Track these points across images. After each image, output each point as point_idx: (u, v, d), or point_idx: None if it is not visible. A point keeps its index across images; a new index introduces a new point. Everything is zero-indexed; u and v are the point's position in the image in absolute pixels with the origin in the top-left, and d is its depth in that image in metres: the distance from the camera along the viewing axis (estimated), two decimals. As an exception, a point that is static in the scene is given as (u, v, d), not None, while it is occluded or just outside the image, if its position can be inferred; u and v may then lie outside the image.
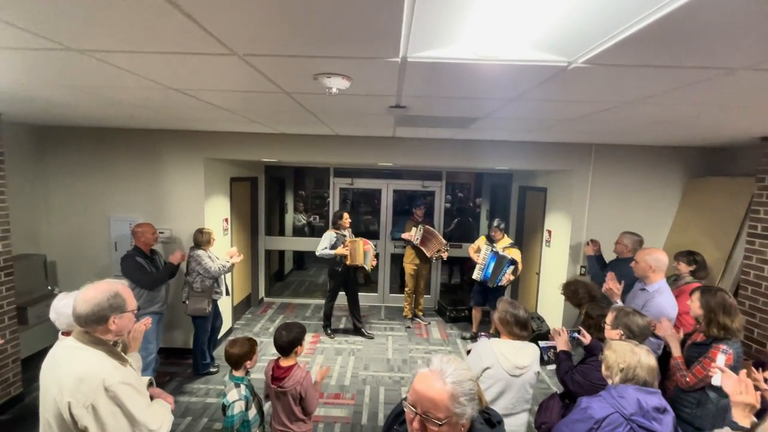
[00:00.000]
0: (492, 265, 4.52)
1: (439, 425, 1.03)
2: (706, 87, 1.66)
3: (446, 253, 5.19)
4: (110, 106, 2.63)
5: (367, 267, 4.76)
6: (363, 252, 4.67)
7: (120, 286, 1.54)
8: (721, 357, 1.98)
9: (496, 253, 4.53)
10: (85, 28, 1.24)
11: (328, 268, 4.93)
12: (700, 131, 2.92)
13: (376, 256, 4.95)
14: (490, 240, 4.70)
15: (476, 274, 4.66)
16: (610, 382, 1.76)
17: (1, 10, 1.11)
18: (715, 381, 1.76)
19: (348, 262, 4.65)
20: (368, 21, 1.13)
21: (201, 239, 3.82)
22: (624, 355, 1.70)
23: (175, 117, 3.11)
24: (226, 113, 2.83)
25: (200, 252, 3.80)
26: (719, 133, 2.98)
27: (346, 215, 4.86)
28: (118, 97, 2.34)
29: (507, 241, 4.70)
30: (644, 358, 1.69)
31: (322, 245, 4.70)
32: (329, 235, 4.74)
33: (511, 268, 4.42)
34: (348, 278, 4.87)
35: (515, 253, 4.54)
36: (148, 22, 1.17)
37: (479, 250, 4.72)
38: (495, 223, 4.68)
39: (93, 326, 1.47)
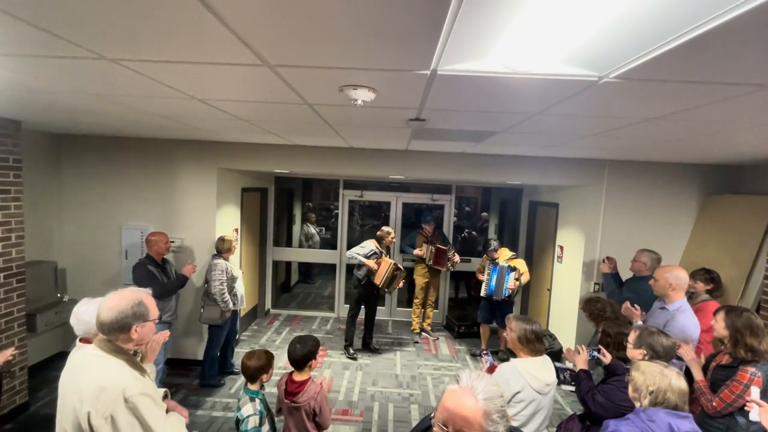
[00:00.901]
0: (494, 277, 4.50)
1: None
2: (735, 103, 1.65)
3: (456, 257, 5.13)
4: (133, 115, 2.66)
5: (387, 290, 4.68)
6: (390, 277, 4.56)
7: (144, 295, 1.53)
8: (755, 390, 1.87)
9: (497, 265, 4.53)
10: (121, 37, 1.25)
11: (353, 280, 4.76)
12: (721, 148, 2.90)
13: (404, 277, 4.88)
14: (492, 259, 4.68)
15: (483, 291, 4.64)
16: (637, 404, 1.70)
17: (37, 18, 1.13)
18: (753, 417, 1.68)
19: (373, 279, 4.57)
20: (406, 33, 1.13)
21: (222, 247, 3.84)
22: (653, 377, 1.64)
23: (194, 127, 3.14)
24: (245, 124, 2.85)
25: (218, 261, 3.80)
26: (740, 150, 2.95)
27: (392, 233, 4.78)
28: (144, 107, 2.37)
29: (508, 253, 4.67)
30: (675, 380, 1.63)
31: (358, 250, 4.58)
32: (369, 244, 4.63)
33: (512, 275, 4.40)
34: (371, 293, 4.78)
35: (519, 263, 4.53)
36: (187, 32, 1.18)
37: (484, 269, 4.71)
38: (491, 247, 4.63)
39: (115, 334, 1.46)
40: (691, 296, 3.21)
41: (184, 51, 1.34)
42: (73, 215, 4.28)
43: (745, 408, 1.78)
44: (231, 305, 3.81)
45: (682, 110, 1.80)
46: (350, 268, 5.19)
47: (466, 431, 1.02)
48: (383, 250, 4.71)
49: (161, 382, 3.51)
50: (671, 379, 1.62)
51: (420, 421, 1.41)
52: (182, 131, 3.49)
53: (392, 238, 4.79)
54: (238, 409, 2.15)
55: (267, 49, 1.30)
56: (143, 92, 1.96)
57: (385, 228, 4.83)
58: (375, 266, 4.52)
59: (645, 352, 2.05)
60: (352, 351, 4.80)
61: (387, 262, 4.57)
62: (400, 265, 4.75)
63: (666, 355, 2.02)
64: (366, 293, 4.73)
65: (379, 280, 4.55)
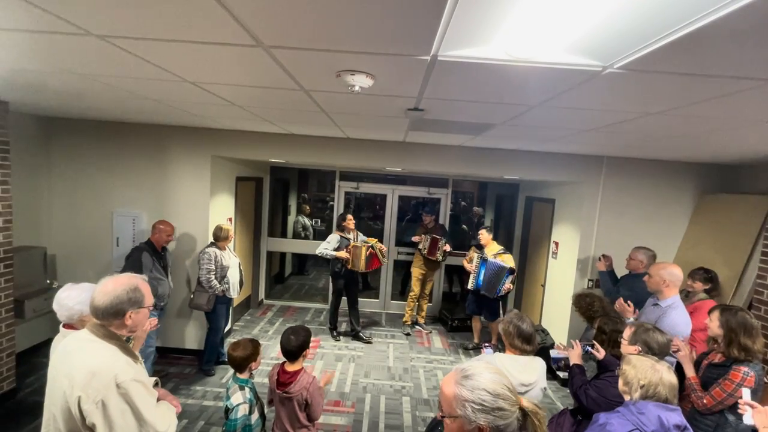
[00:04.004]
0: (482, 272, 4.48)
1: (442, 416, 1.10)
2: (740, 99, 1.63)
3: (447, 246, 5.14)
4: (123, 98, 2.59)
5: (360, 268, 4.71)
6: (365, 258, 4.66)
7: (140, 281, 1.51)
8: (747, 391, 1.85)
9: (485, 260, 4.50)
10: (107, 12, 1.20)
11: (330, 271, 4.92)
12: (722, 146, 2.88)
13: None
14: (479, 247, 4.67)
15: (470, 284, 4.63)
16: (627, 397, 1.70)
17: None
18: (747, 420, 1.68)
19: (349, 267, 4.67)
20: (406, 15, 1.09)
21: (219, 235, 3.84)
22: (645, 371, 1.64)
23: (186, 112, 3.07)
24: (238, 110, 2.79)
25: (208, 249, 3.79)
26: (740, 149, 2.94)
27: (349, 217, 4.85)
28: (133, 89, 2.30)
29: (496, 247, 4.64)
30: (666, 375, 1.63)
31: (326, 245, 4.72)
32: (334, 237, 4.76)
33: (510, 277, 4.38)
34: (349, 281, 4.86)
35: (507, 259, 4.50)
36: (177, 7, 1.13)
37: (472, 260, 4.70)
38: (483, 226, 4.76)
39: (110, 319, 1.43)
40: (688, 295, 3.22)
41: (174, 28, 1.29)
42: (64, 200, 4.20)
43: (738, 410, 1.77)
44: (219, 290, 3.81)
45: (687, 105, 1.78)
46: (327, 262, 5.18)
47: (445, 409, 1.09)
48: (349, 236, 4.79)
49: (152, 368, 3.50)
50: (662, 374, 1.62)
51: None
52: (175, 116, 3.42)
53: (350, 221, 4.83)
54: (228, 397, 2.13)
55: (261, 28, 1.25)
56: (132, 72, 1.90)
57: (341, 214, 4.92)
58: (347, 255, 4.61)
59: (640, 348, 2.04)
60: (335, 333, 5.04)
61: (358, 247, 4.64)
62: (378, 244, 4.81)
63: (661, 352, 2.02)
64: (345, 282, 4.83)
65: (356, 266, 4.66)
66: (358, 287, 5.18)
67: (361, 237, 4.93)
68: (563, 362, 2.54)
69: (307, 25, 1.20)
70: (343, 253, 4.64)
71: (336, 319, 5.11)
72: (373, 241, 4.84)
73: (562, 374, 2.52)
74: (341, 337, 5.06)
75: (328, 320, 5.21)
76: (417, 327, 5.58)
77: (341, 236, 4.77)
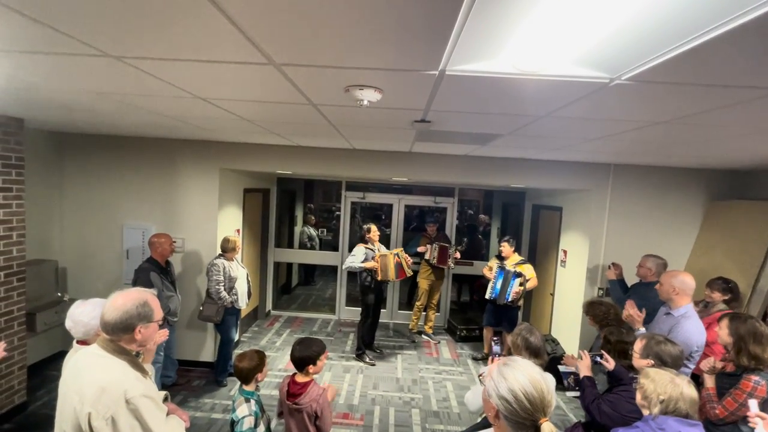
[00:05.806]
0: (500, 281, 4.46)
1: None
2: (748, 108, 1.62)
3: (458, 253, 5.18)
4: (136, 114, 2.64)
5: (391, 278, 4.61)
6: (394, 267, 4.54)
7: (149, 296, 1.52)
8: (754, 403, 1.78)
9: (503, 268, 4.49)
10: (126, 34, 1.23)
11: (359, 285, 4.69)
12: (731, 153, 2.87)
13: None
14: (500, 258, 4.66)
15: (488, 293, 4.59)
16: (646, 412, 1.67)
17: (42, 12, 1.10)
18: None
19: (379, 278, 4.51)
20: (416, 33, 1.11)
21: (227, 246, 3.86)
22: (664, 385, 1.61)
23: (197, 127, 3.13)
24: (248, 124, 2.83)
25: (217, 261, 3.82)
26: (750, 156, 2.92)
27: (374, 228, 4.73)
28: (147, 106, 2.35)
29: (517, 258, 4.63)
30: (686, 389, 1.60)
31: (352, 259, 4.53)
32: (360, 250, 4.59)
33: (517, 280, 4.35)
34: (378, 295, 4.75)
35: (526, 269, 4.48)
36: (194, 29, 1.16)
37: (492, 269, 4.67)
38: (505, 238, 4.69)
39: (119, 334, 1.44)
40: (707, 306, 3.16)
41: (190, 49, 1.32)
42: (75, 214, 4.27)
43: (749, 424, 1.73)
44: (228, 302, 3.81)
45: (694, 114, 1.78)
46: (353, 275, 5.11)
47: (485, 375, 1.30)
48: (373, 248, 4.67)
49: (159, 382, 3.50)
50: (683, 388, 1.59)
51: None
52: (185, 131, 3.48)
53: (375, 232, 4.71)
54: (233, 410, 2.12)
55: (273, 47, 1.28)
56: (147, 91, 1.94)
57: (364, 226, 4.81)
58: (376, 265, 4.48)
59: (653, 362, 2.01)
60: (369, 359, 4.74)
61: (385, 256, 4.55)
62: (403, 253, 4.72)
63: (674, 365, 1.98)
64: (375, 296, 4.68)
65: (386, 275, 4.51)
66: (384, 300, 5.02)
67: (384, 249, 4.80)
68: (572, 377, 2.49)
69: (318, 43, 1.23)
70: (372, 264, 4.46)
71: (364, 341, 4.80)
72: (398, 250, 4.74)
73: (570, 394, 2.48)
74: (367, 358, 4.74)
75: (358, 343, 4.82)
76: (425, 337, 5.54)
77: (366, 248, 4.61)
